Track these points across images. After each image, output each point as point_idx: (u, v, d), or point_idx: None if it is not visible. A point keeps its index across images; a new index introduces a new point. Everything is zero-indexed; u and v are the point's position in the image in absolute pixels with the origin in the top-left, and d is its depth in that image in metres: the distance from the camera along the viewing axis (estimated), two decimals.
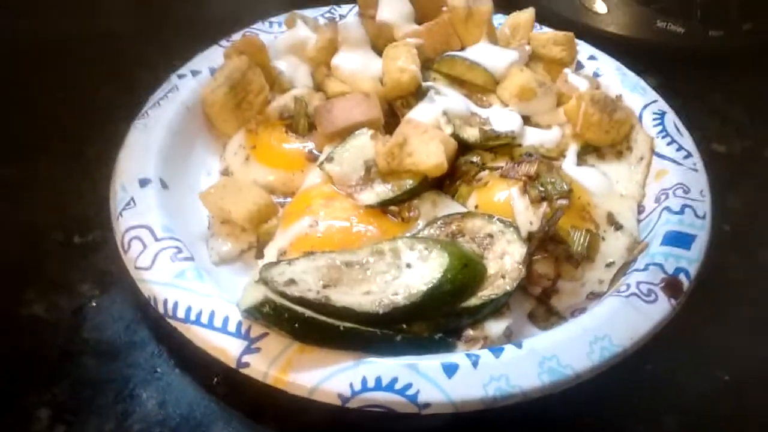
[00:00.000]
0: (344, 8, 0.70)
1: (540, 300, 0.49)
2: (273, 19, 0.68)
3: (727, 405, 0.46)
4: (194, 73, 0.62)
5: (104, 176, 0.56)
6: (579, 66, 0.65)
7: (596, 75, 0.64)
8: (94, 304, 0.49)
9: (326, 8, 0.70)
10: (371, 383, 0.40)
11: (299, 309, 0.41)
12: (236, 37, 0.66)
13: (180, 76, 0.61)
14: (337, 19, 0.69)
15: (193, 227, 0.52)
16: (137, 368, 0.45)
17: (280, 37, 0.65)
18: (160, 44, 0.71)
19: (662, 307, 0.45)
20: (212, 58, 0.63)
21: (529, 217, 0.50)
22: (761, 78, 0.71)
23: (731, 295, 0.52)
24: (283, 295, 0.42)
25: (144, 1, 0.77)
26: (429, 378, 0.40)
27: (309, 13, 0.69)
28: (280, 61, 0.64)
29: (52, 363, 0.45)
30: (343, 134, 0.55)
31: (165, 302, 0.44)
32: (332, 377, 0.40)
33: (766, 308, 0.51)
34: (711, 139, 0.65)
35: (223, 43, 0.65)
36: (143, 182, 0.52)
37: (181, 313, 0.43)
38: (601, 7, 0.70)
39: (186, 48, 0.67)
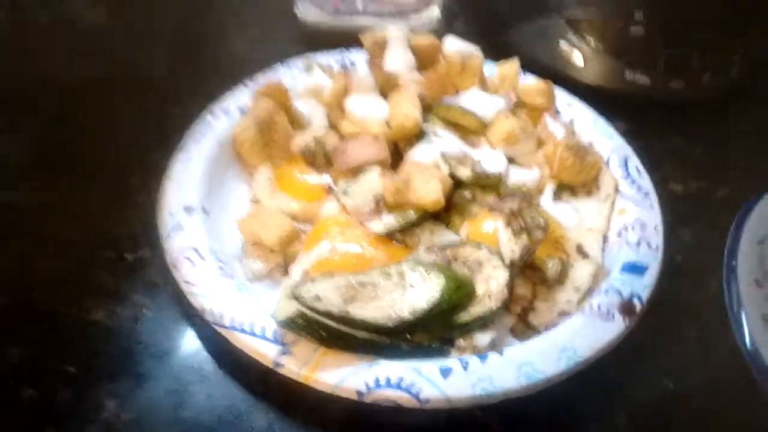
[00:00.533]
0: (353, 53, 0.80)
1: (519, 317, 0.58)
2: (291, 63, 0.77)
3: (670, 408, 0.54)
4: (225, 112, 0.70)
5: (147, 202, 0.65)
6: (557, 111, 0.75)
7: (572, 121, 0.74)
8: (145, 312, 0.58)
9: (338, 52, 0.80)
10: (382, 382, 0.49)
11: (325, 321, 0.51)
12: (259, 77, 0.76)
13: (213, 115, 0.70)
14: (348, 64, 0.78)
15: (228, 248, 0.62)
16: (187, 368, 0.53)
17: (299, 80, 0.75)
18: (190, 84, 0.78)
19: (618, 325, 0.54)
20: (239, 97, 0.72)
21: (511, 246, 0.59)
22: (717, 124, 0.79)
23: (679, 316, 0.60)
24: (312, 309, 0.51)
25: (175, 47, 0.85)
26: (429, 379, 0.49)
27: (323, 57, 0.79)
28: (299, 102, 0.73)
29: (115, 361, 0.54)
30: (356, 171, 0.64)
31: (212, 312, 0.53)
32: (351, 376, 0.49)
33: (709, 328, 0.59)
34: (670, 179, 0.73)
35: (248, 83, 0.74)
36: (188, 209, 0.60)
37: (226, 322, 0.52)
38: (578, 60, 0.79)
39: (216, 88, 0.77)
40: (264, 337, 0.51)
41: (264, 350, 0.51)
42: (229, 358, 0.53)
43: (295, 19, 0.88)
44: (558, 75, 0.79)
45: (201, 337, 0.56)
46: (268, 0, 0.92)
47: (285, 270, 0.60)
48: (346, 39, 0.80)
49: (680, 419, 0.55)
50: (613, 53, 0.78)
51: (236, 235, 0.62)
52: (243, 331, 0.52)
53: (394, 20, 0.90)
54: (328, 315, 0.51)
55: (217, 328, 0.53)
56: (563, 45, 0.79)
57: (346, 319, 0.51)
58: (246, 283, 0.59)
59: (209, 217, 0.61)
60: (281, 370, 0.50)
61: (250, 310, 0.53)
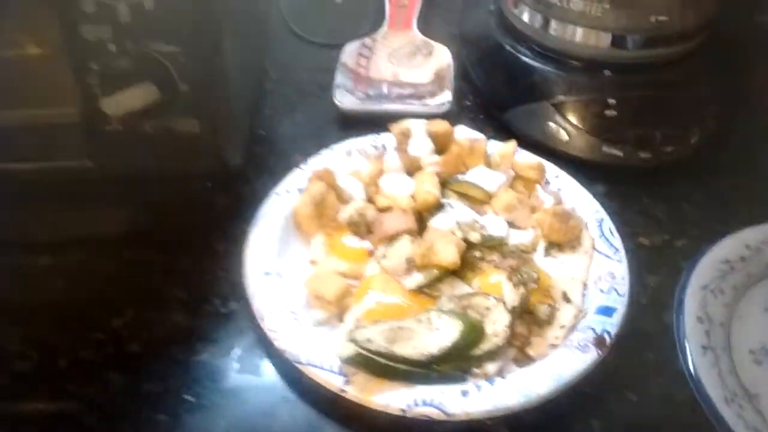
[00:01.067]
0: (383, 136, 0.97)
1: (519, 349, 0.75)
2: (335, 147, 0.94)
3: (633, 413, 0.70)
4: (287, 191, 0.90)
5: (233, 265, 0.83)
6: (547, 182, 0.94)
7: (559, 189, 0.92)
8: (239, 352, 0.76)
9: (371, 138, 0.97)
10: (419, 402, 0.66)
11: (376, 357, 0.70)
12: (311, 161, 0.95)
13: (278, 194, 0.90)
14: (380, 147, 0.97)
15: (297, 301, 0.80)
16: (275, 392, 0.70)
17: (343, 163, 0.93)
18: (254, 166, 0.97)
19: (592, 355, 0.70)
20: (297, 180, 0.90)
21: (512, 296, 0.76)
22: (676, 186, 0.95)
23: (641, 345, 0.76)
24: (365, 349, 0.70)
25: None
26: (453, 398, 0.66)
27: (359, 141, 0.98)
28: (343, 180, 0.92)
29: (218, 390, 0.72)
30: (391, 238, 0.82)
31: (291, 353, 0.72)
32: (397, 398, 0.65)
33: (667, 353, 0.75)
34: (639, 234, 0.88)
35: (303, 167, 0.93)
36: (267, 274, 0.80)
37: (302, 359, 0.71)
38: (563, 136, 0.97)
39: (273, 167, 0.96)
40: (331, 371, 0.70)
41: (332, 380, 0.69)
42: (305, 387, 0.68)
43: (334, 105, 1.07)
44: (547, 149, 0.96)
45: (281, 372, 0.74)
46: (313, 90, 1.12)
47: (340, 318, 0.79)
48: (376, 121, 0.99)
49: (639, 422, 0.71)
50: (592, 132, 0.94)
51: (302, 290, 0.81)
52: (315, 366, 0.71)
53: (414, 102, 1.10)
54: (378, 354, 0.69)
55: (295, 364, 0.72)
56: (551, 125, 0.97)
57: (391, 356, 0.69)
58: (312, 329, 0.78)
59: (282, 280, 0.81)
60: (345, 395, 0.69)
61: (319, 351, 0.72)
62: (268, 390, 0.70)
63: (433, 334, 0.71)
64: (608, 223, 0.87)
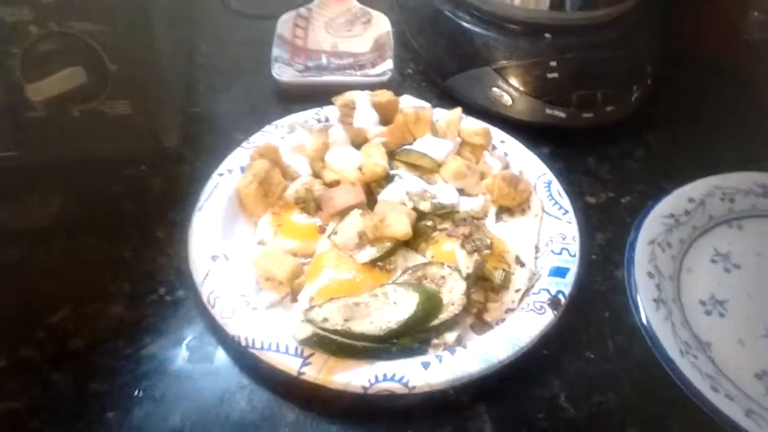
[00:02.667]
0: (326, 110, 0.95)
1: (476, 316, 0.75)
2: (276, 123, 0.91)
3: (592, 370, 0.71)
4: (229, 171, 0.86)
5: (176, 252, 0.81)
6: (494, 147, 0.93)
7: (506, 154, 0.92)
8: (192, 342, 0.72)
9: (313, 111, 0.95)
10: (380, 377, 0.65)
11: (333, 337, 0.68)
12: (253, 139, 0.91)
13: (220, 175, 0.86)
14: (323, 120, 0.95)
15: (246, 284, 0.78)
16: (230, 379, 0.68)
17: (286, 138, 0.90)
18: (194, 145, 0.94)
19: (548, 316, 0.71)
20: (239, 158, 0.86)
21: (466, 263, 0.76)
22: (619, 144, 0.97)
23: (594, 303, 0.77)
24: (322, 328, 0.69)
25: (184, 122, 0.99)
26: (414, 371, 0.65)
27: (301, 115, 0.95)
28: (287, 157, 0.90)
29: (174, 381, 0.70)
30: (342, 213, 0.81)
31: (245, 339, 0.69)
32: (357, 376, 0.65)
33: (620, 309, 0.77)
34: (585, 193, 0.89)
35: (245, 145, 0.89)
36: (214, 258, 0.76)
37: (258, 345, 0.68)
38: (507, 101, 0.97)
39: (215, 147, 0.92)
40: (288, 353, 0.68)
41: (289, 363, 0.68)
42: (262, 372, 0.68)
43: (272, 79, 1.03)
44: (492, 114, 0.96)
45: (236, 358, 0.72)
46: (250, 65, 1.08)
47: (294, 298, 0.77)
48: (317, 93, 0.97)
49: (599, 379, 0.72)
50: (534, 94, 0.95)
51: (251, 272, 0.79)
52: (272, 350, 0.69)
53: (354, 72, 1.07)
54: (335, 332, 0.68)
55: (250, 350, 0.69)
56: (494, 90, 0.96)
57: (348, 334, 0.68)
58: (265, 311, 0.76)
59: (230, 262, 0.78)
60: (303, 377, 0.67)
61: (274, 333, 0.70)
62: (223, 377, 0.69)
63: (390, 308, 0.70)
64: (556, 185, 0.87)
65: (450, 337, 0.69)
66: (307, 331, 0.67)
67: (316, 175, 0.87)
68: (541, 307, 0.73)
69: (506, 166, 0.89)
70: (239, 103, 1.02)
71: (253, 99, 1.03)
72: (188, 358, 0.72)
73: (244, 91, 1.05)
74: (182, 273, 0.78)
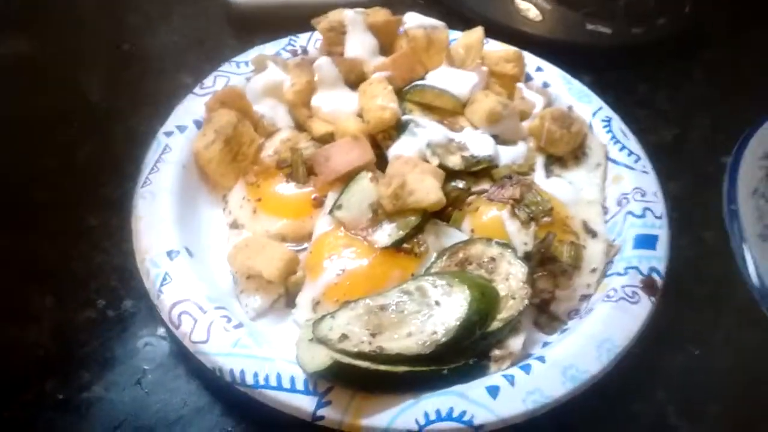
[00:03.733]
0: (302, 38, 0.73)
1: (540, 308, 0.57)
2: (239, 59, 0.69)
3: (700, 375, 0.55)
4: (180, 128, 0.63)
5: (116, 246, 0.59)
6: (528, 78, 0.72)
7: (545, 85, 0.71)
8: (149, 376, 0.52)
9: (285, 40, 0.73)
10: (432, 416, 0.47)
11: (362, 364, 0.47)
12: (208, 82, 0.68)
13: (167, 134, 0.62)
14: (299, 51, 0.72)
15: (221, 285, 0.56)
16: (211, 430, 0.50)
17: (253, 80, 0.67)
18: (127, 94, 0.71)
19: (645, 305, 0.54)
20: (193, 109, 0.64)
21: (522, 237, 0.57)
22: (676, 66, 0.79)
23: (688, 276, 0.60)
24: (342, 352, 0.48)
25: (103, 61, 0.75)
26: (479, 403, 0.47)
27: (270, 47, 0.72)
28: (258, 105, 0.66)
29: None
30: (343, 179, 0.59)
31: (231, 372, 0.48)
32: (399, 416, 0.46)
33: (720, 283, 0.60)
34: (644, 130, 0.71)
35: (198, 91, 0.66)
36: (171, 254, 0.54)
37: (249, 380, 0.48)
38: (536, 15, 0.76)
39: (154, 94, 0.69)
40: (296, 390, 0.48)
41: (299, 404, 0.47)
42: (259, 416, 0.49)
43: (224, 3, 0.79)
44: (515, 33, 0.77)
45: (220, 397, 0.51)
46: None
47: (291, 301, 0.56)
48: (286, 18, 0.74)
49: (711, 381, 0.55)
50: (570, 5, 0.74)
51: (225, 269, 0.57)
52: (270, 387, 0.48)
53: None
54: (361, 355, 0.47)
55: (239, 387, 0.48)
56: (518, 1, 0.75)
57: (381, 357, 0.47)
58: (249, 322, 0.54)
59: (195, 259, 0.56)
60: (322, 423, 0.47)
61: (272, 363, 0.49)
62: (202, 425, 0.51)
63: (432, 310, 0.50)
64: (618, 123, 0.68)
65: (515, 343, 0.53)
66: (322, 357, 0.46)
67: (301, 127, 0.65)
68: (633, 293, 0.54)
69: (550, 102, 0.68)
70: (183, 36, 0.80)
71: (201, 30, 0.81)
72: (147, 400, 0.50)
73: (189, 21, 0.82)
74: (127, 275, 0.56)
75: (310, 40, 0.72)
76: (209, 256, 0.58)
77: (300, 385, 0.48)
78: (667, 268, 0.57)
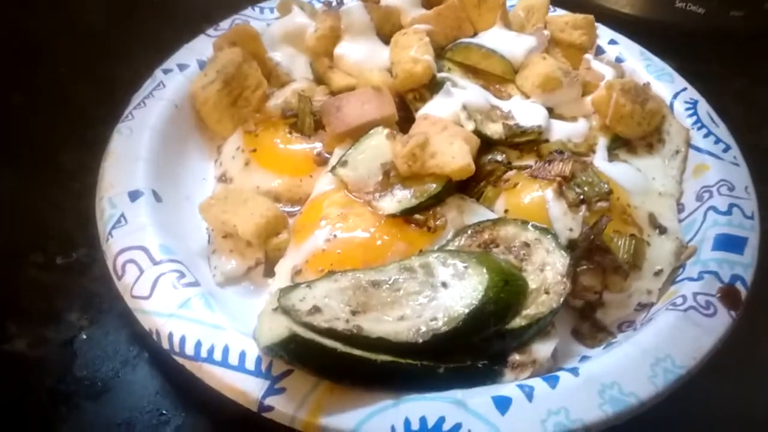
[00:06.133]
0: None
1: (583, 313, 0.45)
2: (264, 5, 0.63)
3: None
4: (181, 67, 0.56)
5: (86, 187, 0.52)
6: (599, 51, 0.61)
7: (619, 60, 0.60)
8: (84, 336, 0.44)
9: None
10: (415, 424, 0.36)
11: (329, 343, 0.37)
12: (225, 25, 0.60)
13: (165, 71, 0.55)
14: (335, 2, 0.63)
15: (191, 243, 0.47)
16: (140, 411, 0.40)
17: (274, 24, 0.59)
18: (139, 36, 0.64)
19: (723, 320, 0.41)
20: (200, 49, 0.57)
21: (567, 223, 0.45)
22: None
23: None
24: (308, 326, 0.37)
25: None
26: (480, 416, 0.36)
27: None
28: (275, 52, 0.58)
29: (43, 408, 0.40)
30: (355, 134, 0.50)
31: (170, 336, 0.39)
32: (371, 419, 0.36)
33: None
34: (738, 130, 0.60)
35: (211, 32, 0.59)
36: (133, 195, 0.46)
37: (189, 350, 0.38)
38: None
39: (169, 40, 0.62)
40: (243, 369, 0.37)
41: (244, 387, 0.37)
42: (197, 396, 0.39)
43: None
44: (592, 8, 0.66)
45: (160, 370, 0.42)
46: None
47: (269, 269, 0.46)
48: None
49: None
50: None
51: (202, 225, 0.47)
52: (214, 361, 0.38)
53: None
54: (332, 334, 0.36)
55: (176, 357, 0.38)
56: None
57: (358, 338, 0.36)
58: (216, 290, 0.44)
59: (164, 205, 0.47)
60: (270, 415, 0.36)
61: (222, 332, 0.39)
62: (131, 402, 0.42)
63: (436, 294, 0.39)
64: (705, 107, 0.55)
65: (542, 350, 0.42)
66: (280, 329, 0.35)
67: (320, 80, 0.56)
68: (708, 303, 0.41)
69: (622, 77, 0.56)
70: None
71: None
72: (75, 362, 0.43)
73: None
74: (90, 223, 0.46)
75: None
76: (185, 209, 0.49)
77: (250, 364, 0.38)
78: (753, 278, 0.44)
